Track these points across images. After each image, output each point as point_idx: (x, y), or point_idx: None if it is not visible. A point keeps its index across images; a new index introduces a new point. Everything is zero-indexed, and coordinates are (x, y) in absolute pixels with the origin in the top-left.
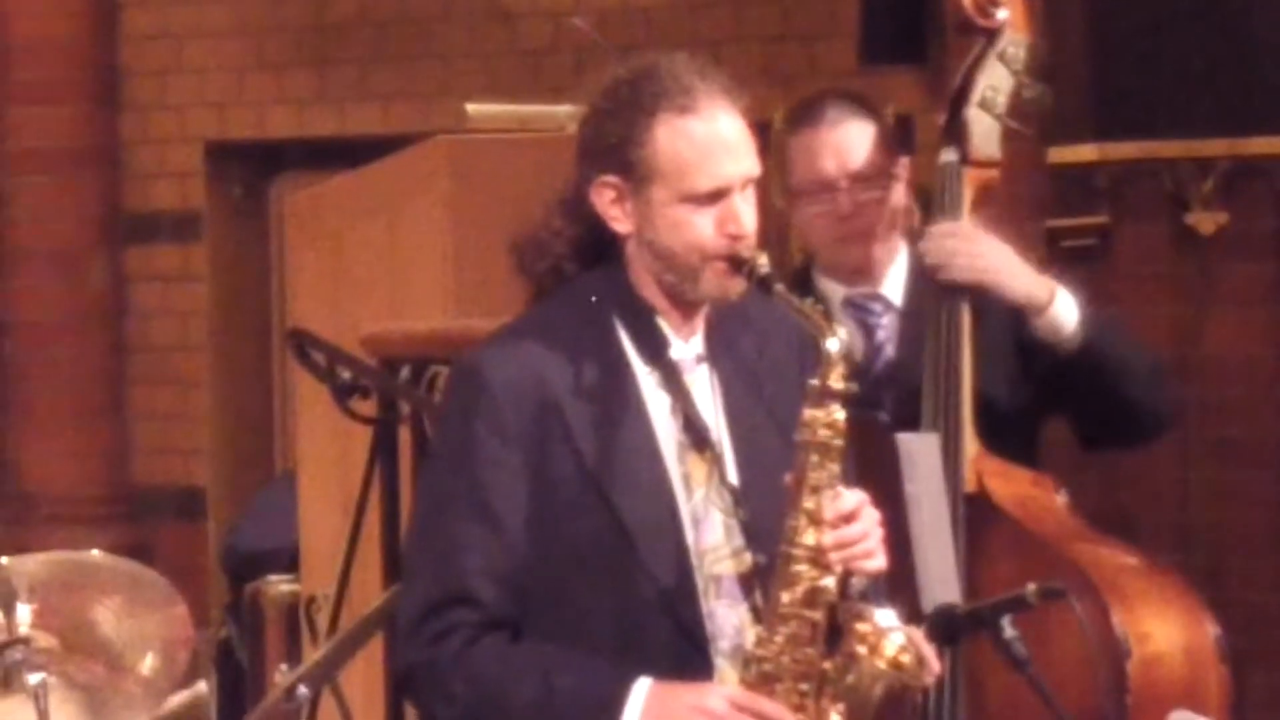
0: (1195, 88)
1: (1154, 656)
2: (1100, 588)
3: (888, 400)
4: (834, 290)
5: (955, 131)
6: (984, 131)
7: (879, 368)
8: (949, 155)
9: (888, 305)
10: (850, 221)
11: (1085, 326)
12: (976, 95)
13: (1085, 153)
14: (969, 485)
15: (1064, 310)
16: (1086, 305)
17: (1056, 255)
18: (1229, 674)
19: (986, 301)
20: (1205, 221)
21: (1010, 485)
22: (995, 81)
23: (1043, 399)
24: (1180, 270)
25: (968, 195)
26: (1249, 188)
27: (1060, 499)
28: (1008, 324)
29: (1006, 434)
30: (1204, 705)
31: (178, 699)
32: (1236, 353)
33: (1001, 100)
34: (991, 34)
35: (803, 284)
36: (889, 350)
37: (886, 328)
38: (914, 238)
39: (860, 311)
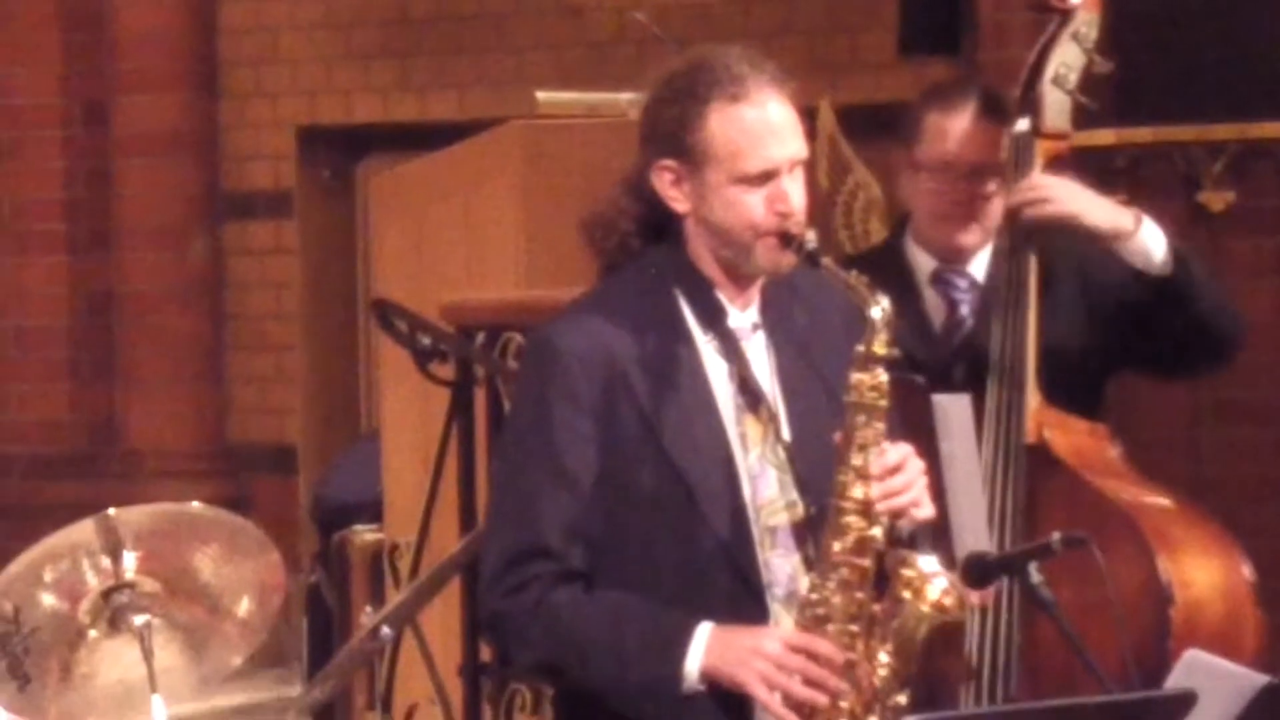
0: (1206, 77)
1: (1195, 602)
2: (1147, 535)
3: (963, 368)
4: (924, 262)
5: (1029, 104)
6: (1056, 105)
7: (958, 338)
8: (1023, 125)
9: (973, 282)
10: (960, 206)
11: (1174, 252)
12: (1050, 71)
13: (1105, 137)
14: (1030, 436)
15: (1152, 237)
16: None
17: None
18: (1264, 618)
19: (1055, 256)
20: (1215, 200)
21: (1068, 436)
22: (1068, 59)
23: (1116, 345)
24: (1192, 244)
25: (1039, 164)
26: (1256, 168)
27: (1115, 449)
28: (1076, 279)
29: (1074, 387)
30: (1240, 648)
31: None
32: (1245, 321)
33: (1073, 77)
34: (1065, 14)
35: (892, 251)
36: (969, 323)
37: (969, 302)
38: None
39: (946, 286)
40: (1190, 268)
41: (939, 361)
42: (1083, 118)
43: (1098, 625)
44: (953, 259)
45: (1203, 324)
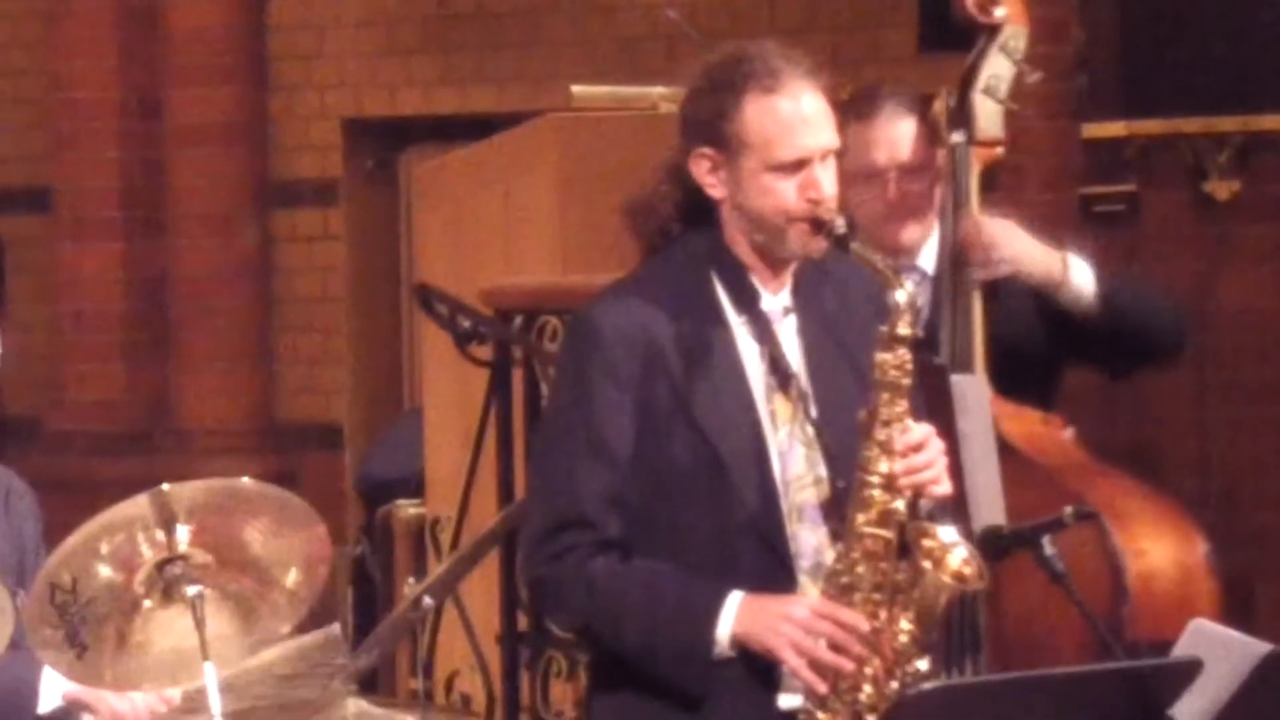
0: (1212, 72)
1: (1149, 570)
2: (1101, 509)
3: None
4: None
5: (962, 116)
6: (988, 115)
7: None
8: (958, 137)
9: (924, 275)
10: (897, 207)
11: (1102, 288)
12: (981, 83)
13: (1115, 129)
14: None
15: (1080, 279)
16: (1097, 265)
17: (1089, 219)
18: (1219, 586)
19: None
20: (1221, 189)
21: (1021, 424)
22: (998, 70)
23: (1064, 344)
24: (1199, 232)
25: (975, 171)
26: (1260, 159)
27: (1067, 434)
28: (1027, 286)
29: (1028, 381)
30: (1195, 614)
31: (311, 638)
32: (1248, 304)
33: (1004, 86)
34: (994, 29)
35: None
36: (924, 313)
37: (922, 294)
38: (943, 215)
39: None
40: (1120, 299)
41: None
42: (1088, 111)
43: (1059, 597)
44: (900, 255)
45: (1139, 337)
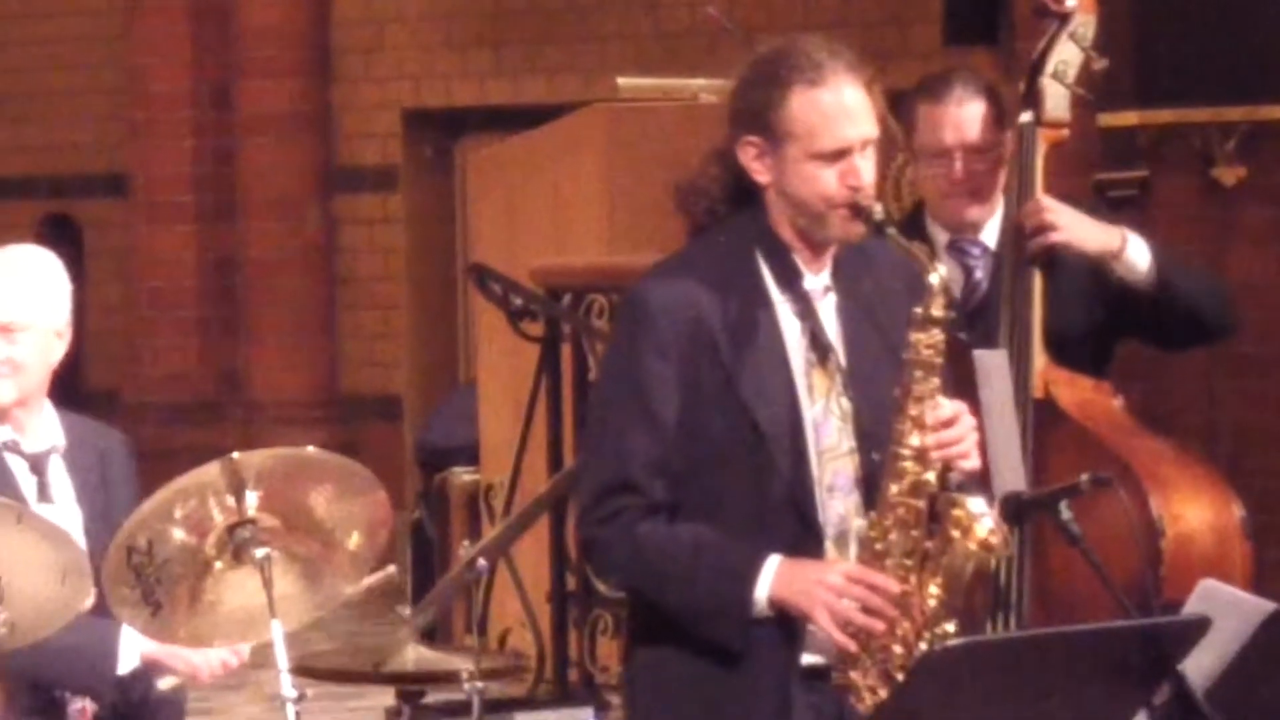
0: (1220, 64)
1: (1185, 535)
2: (1141, 476)
3: (980, 327)
4: (940, 234)
5: (1032, 98)
6: (1055, 98)
7: (974, 302)
8: (1026, 117)
9: (985, 250)
10: (962, 185)
11: (1158, 263)
12: (1050, 67)
13: (1128, 118)
14: (1038, 392)
15: (1137, 253)
16: (1156, 245)
17: (1104, 203)
18: (1253, 550)
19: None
20: (1227, 174)
21: (1073, 391)
22: (1067, 56)
23: (1118, 321)
24: (1207, 215)
25: (1041, 150)
26: (1264, 146)
27: (1117, 402)
28: (1081, 260)
29: (1082, 352)
30: (1230, 577)
31: (372, 579)
32: (1253, 282)
33: (1071, 72)
34: (1064, 16)
35: (914, 223)
36: (984, 286)
37: (982, 268)
38: (1008, 194)
39: (961, 254)
40: (1174, 276)
41: (961, 320)
42: (1103, 101)
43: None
44: (965, 231)
45: (1191, 316)
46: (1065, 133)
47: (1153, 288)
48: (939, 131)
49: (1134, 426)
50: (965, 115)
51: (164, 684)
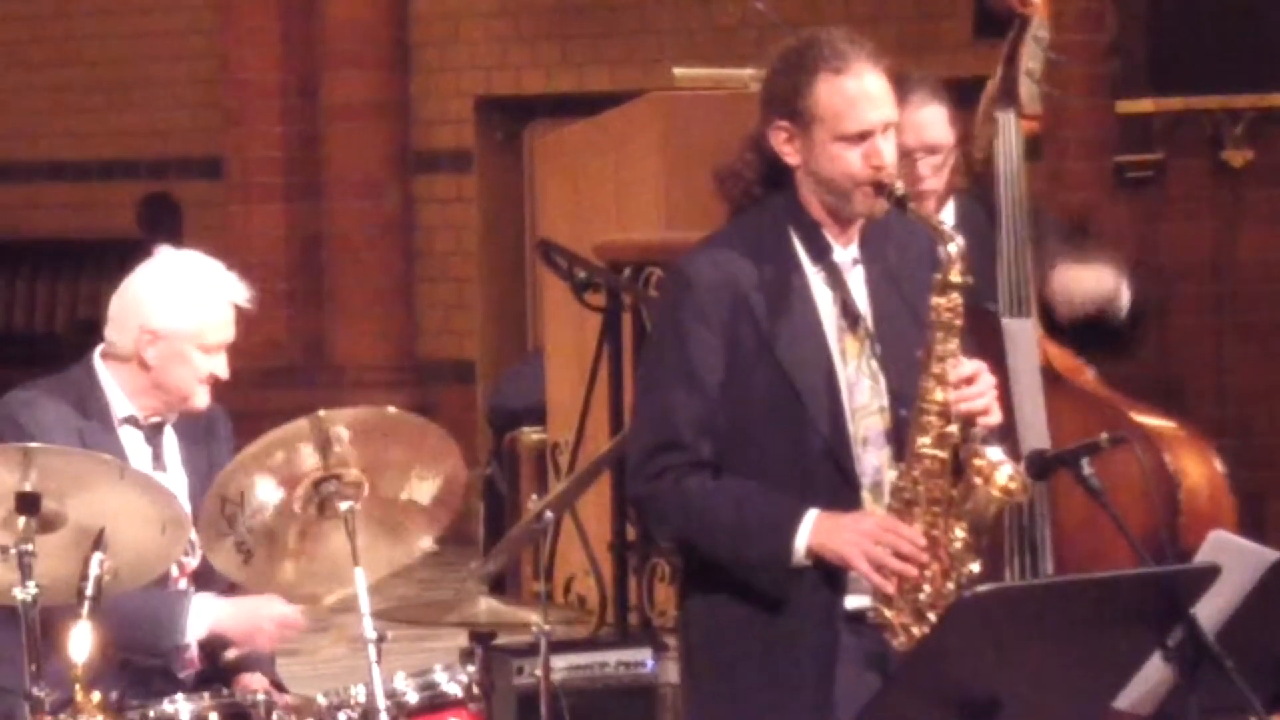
0: (1230, 55)
1: (1193, 488)
2: (1151, 435)
3: None
4: None
5: (1010, 94)
6: (1029, 93)
7: None
8: (1006, 112)
9: None
10: (920, 183)
11: (1133, 308)
12: (1023, 67)
13: (1144, 105)
14: (1040, 360)
15: (1124, 300)
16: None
17: (1122, 184)
18: (1237, 503)
19: (1040, 229)
20: (1236, 157)
21: (1065, 361)
22: (1034, 55)
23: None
24: (1217, 195)
25: (1021, 139)
26: (1270, 131)
27: (1091, 372)
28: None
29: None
30: (1224, 526)
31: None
32: (1261, 257)
33: (1038, 69)
34: (1025, 20)
35: None
36: None
37: None
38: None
39: None
40: (1136, 319)
41: None
42: (1121, 89)
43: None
44: None
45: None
46: (1037, 123)
47: (1118, 324)
48: (900, 134)
49: (1118, 393)
50: (925, 118)
51: (231, 654)
